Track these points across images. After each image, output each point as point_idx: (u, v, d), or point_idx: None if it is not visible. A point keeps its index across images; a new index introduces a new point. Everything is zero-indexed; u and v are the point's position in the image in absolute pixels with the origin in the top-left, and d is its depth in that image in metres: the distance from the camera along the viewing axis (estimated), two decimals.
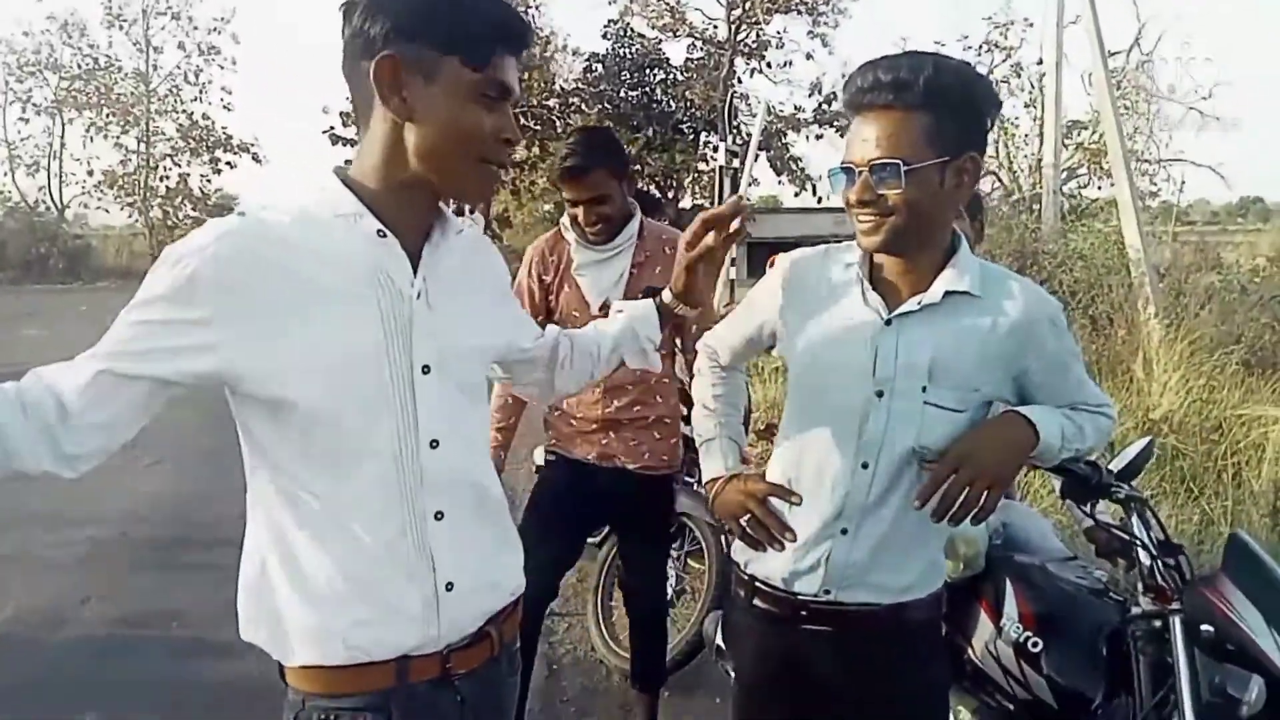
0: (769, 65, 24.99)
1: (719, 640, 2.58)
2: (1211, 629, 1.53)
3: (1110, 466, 1.74)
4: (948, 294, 1.40)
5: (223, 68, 25.68)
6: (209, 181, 25.96)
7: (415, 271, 1.12)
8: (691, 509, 3.24)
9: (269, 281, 1.03)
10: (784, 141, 24.15)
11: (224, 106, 25.98)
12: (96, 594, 3.95)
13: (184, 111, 25.65)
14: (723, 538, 3.08)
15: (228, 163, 26.09)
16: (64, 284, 20.92)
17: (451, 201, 1.21)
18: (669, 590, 3.23)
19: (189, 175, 25.64)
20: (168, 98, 25.55)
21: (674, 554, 3.32)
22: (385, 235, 1.10)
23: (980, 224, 2.30)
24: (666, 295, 1.47)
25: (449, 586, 1.14)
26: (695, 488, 3.54)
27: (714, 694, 3.00)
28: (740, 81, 24.65)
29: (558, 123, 25.20)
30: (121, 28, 24.82)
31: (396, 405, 1.09)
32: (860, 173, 1.35)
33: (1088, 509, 1.74)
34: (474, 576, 1.18)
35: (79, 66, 24.84)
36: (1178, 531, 4.02)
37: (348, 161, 1.18)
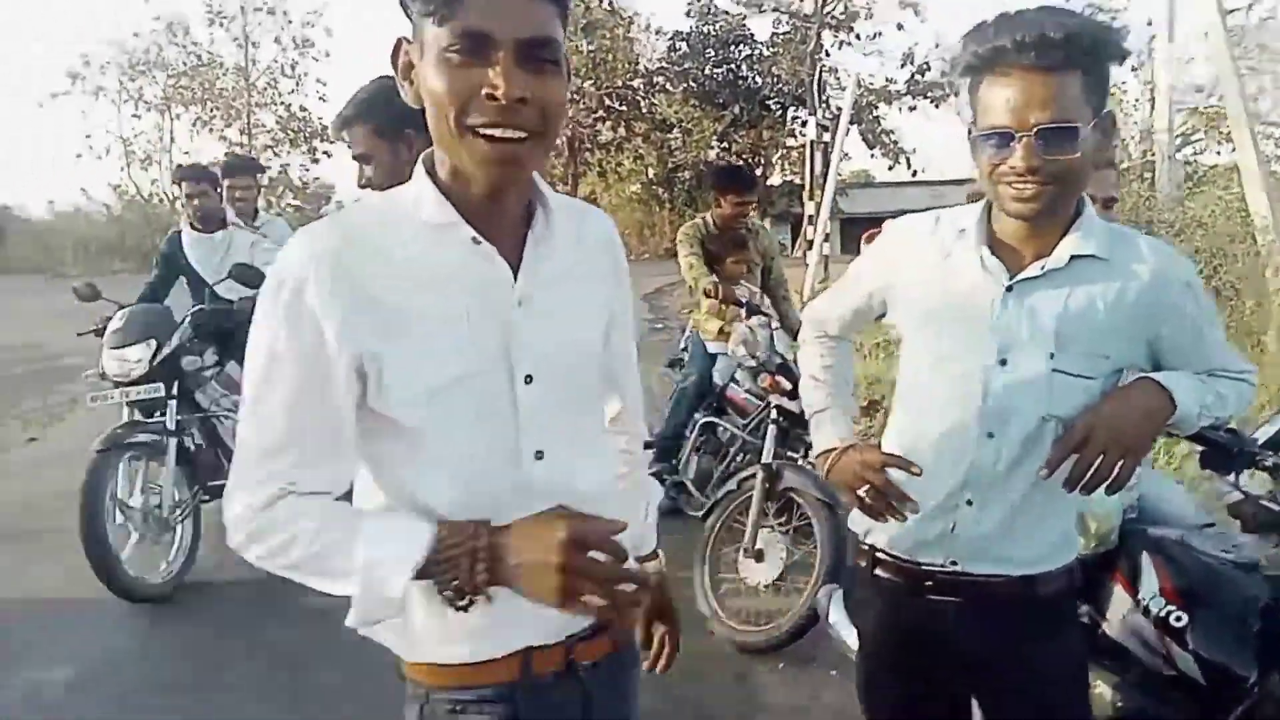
0: (858, 37, 24.40)
1: (833, 612, 2.57)
2: None
3: (1255, 435, 1.66)
4: (1074, 258, 1.35)
5: (316, 60, 26.57)
6: (307, 170, 26.96)
7: (516, 274, 1.04)
8: (798, 484, 3.22)
9: (368, 290, 0.98)
10: (875, 115, 23.56)
11: (319, 98, 26.93)
12: (230, 563, 4.14)
13: (282, 104, 26.67)
14: (836, 512, 3.06)
15: (324, 152, 27.02)
16: None
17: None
18: (780, 564, 3.24)
19: (289, 165, 26.66)
20: (267, 91, 26.60)
21: (784, 529, 3.31)
22: (480, 243, 1.01)
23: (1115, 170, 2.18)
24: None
25: None
26: (799, 463, 3.54)
27: (828, 667, 2.98)
28: (828, 55, 24.15)
29: (642, 103, 25.21)
30: (222, 25, 25.93)
31: (498, 419, 1.04)
32: (1022, 138, 1.27)
33: (1232, 479, 1.66)
34: None
35: (184, 64, 26.04)
36: None
37: None
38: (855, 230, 18.33)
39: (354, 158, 2.02)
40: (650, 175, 25.93)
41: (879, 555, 1.54)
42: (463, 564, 0.96)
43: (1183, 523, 1.96)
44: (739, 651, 3.16)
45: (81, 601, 3.74)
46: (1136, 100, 15.51)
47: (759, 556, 3.26)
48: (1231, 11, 13.02)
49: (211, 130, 26.45)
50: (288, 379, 0.98)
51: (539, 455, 1.06)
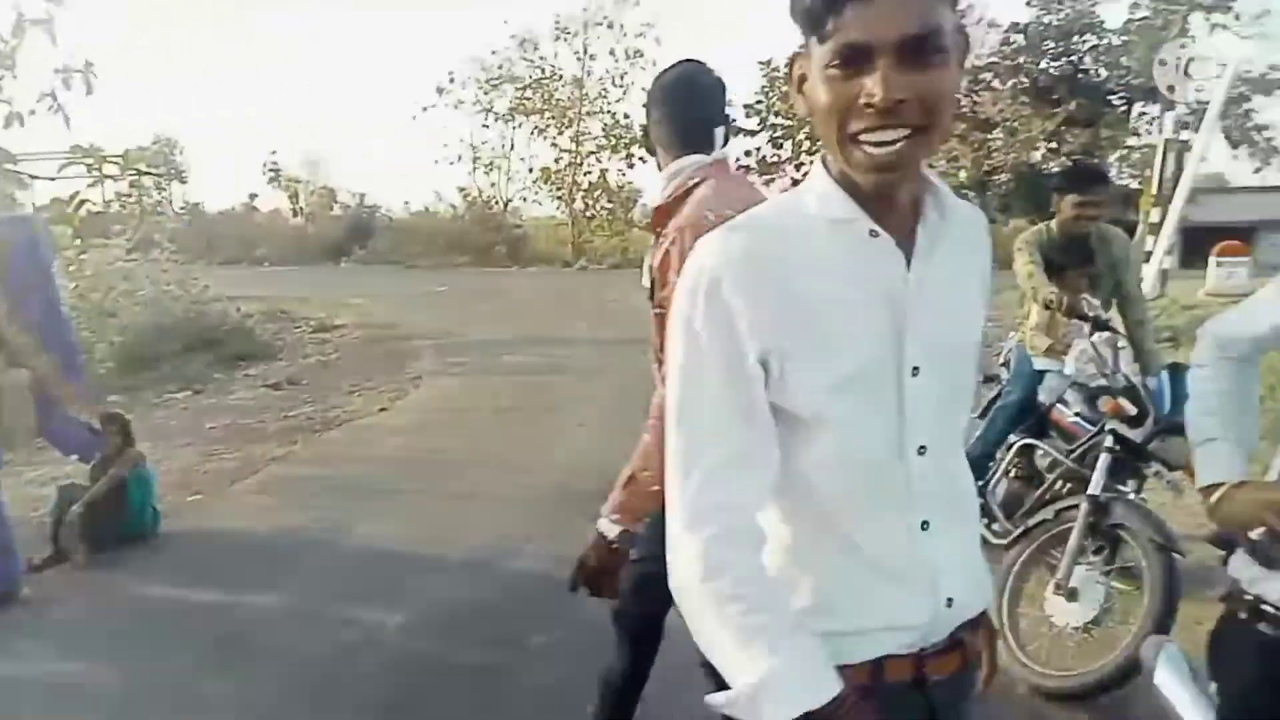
0: (1237, 17, 21.16)
1: (1161, 669, 2.30)
2: None
3: None
4: None
5: (644, 70, 28.09)
6: (623, 175, 28.66)
7: (909, 265, 1.05)
8: (1131, 522, 2.92)
9: (775, 288, 1.02)
10: (1247, 108, 20.38)
11: (643, 105, 28.43)
12: (539, 533, 4.56)
13: (609, 112, 28.56)
14: (1173, 557, 2.73)
15: (640, 158, 28.53)
16: (504, 268, 24.54)
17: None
18: (1096, 608, 2.95)
19: (607, 170, 28.55)
20: (597, 100, 28.62)
21: (1102, 569, 3.01)
22: (877, 235, 1.03)
23: None
24: None
25: (949, 602, 1.10)
26: (1132, 498, 3.19)
27: None
28: (1194, 40, 21.24)
29: (963, 100, 23.84)
30: (566, 39, 28.28)
31: (887, 411, 1.05)
32: None
33: None
34: (966, 590, 1.13)
35: (530, 77, 28.77)
36: None
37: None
38: (1199, 241, 15.98)
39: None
40: (961, 178, 24.49)
41: (1264, 608, 1.40)
42: None
43: None
44: (1035, 695, 2.93)
45: (416, 555, 4.34)
46: None
47: (1072, 595, 2.98)
48: None
49: (546, 137, 29.04)
50: (714, 378, 1.02)
51: (922, 450, 1.06)
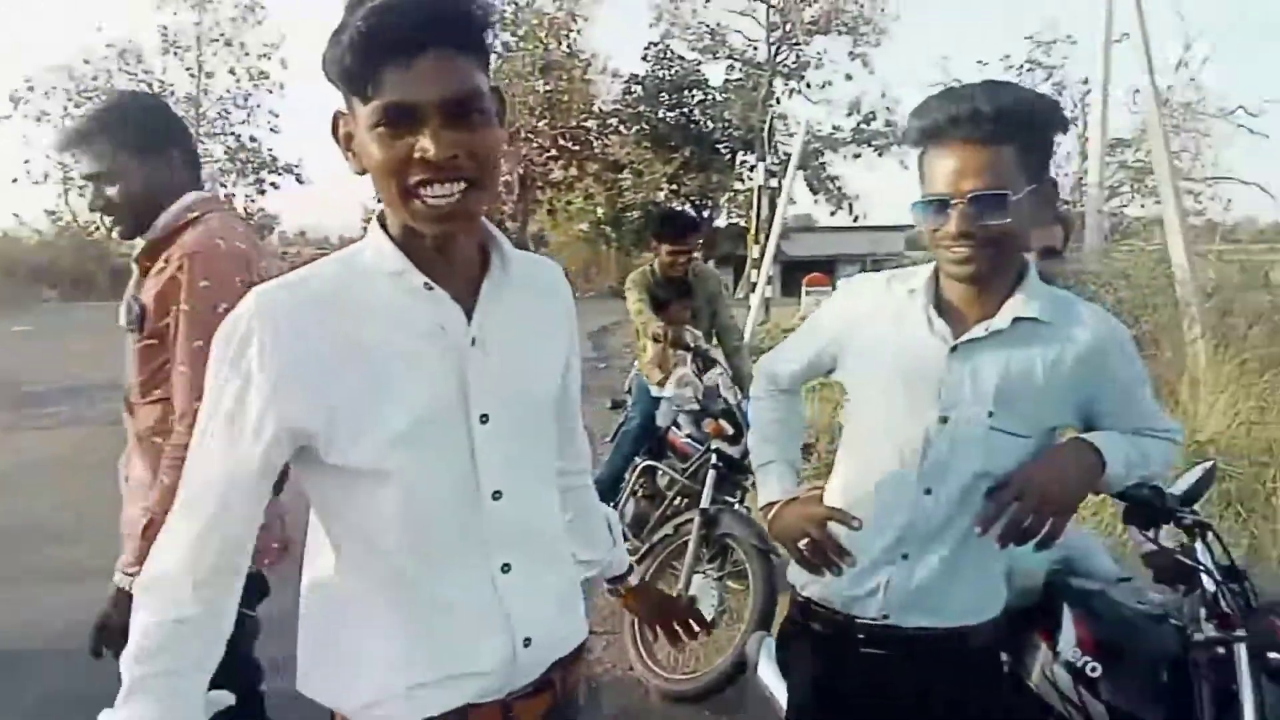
0: (808, 85, 25.09)
1: (762, 662, 2.56)
2: (1278, 656, 1.49)
3: (1172, 491, 1.71)
4: (1017, 320, 1.39)
5: (270, 92, 26.31)
6: (253, 201, 26.55)
7: (471, 317, 1.07)
8: (735, 530, 3.22)
9: (321, 346, 1.00)
10: (821, 161, 24.13)
11: (270, 129, 26.65)
12: None
13: (232, 134, 26.31)
14: (771, 560, 3.06)
15: (272, 183, 26.71)
16: (108, 300, 21.46)
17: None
18: (711, 612, 3.22)
19: (234, 195, 26.25)
20: (217, 121, 26.22)
21: (715, 575, 3.30)
22: (432, 288, 1.05)
23: (1066, 229, 2.27)
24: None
25: (527, 642, 1.11)
26: (737, 508, 3.54)
27: (755, 717, 2.96)
28: (779, 101, 24.76)
29: (595, 143, 25.46)
30: (176, 54, 25.56)
31: (456, 459, 1.06)
32: (957, 204, 1.33)
33: (1151, 534, 1.71)
34: (549, 630, 1.15)
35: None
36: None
37: None
38: (797, 274, 18.64)
39: (86, 177, 1.83)
40: (599, 215, 26.13)
41: (814, 608, 1.56)
42: None
43: (1102, 576, 2.01)
44: (664, 700, 3.13)
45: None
46: (1069, 154, 16.21)
47: (691, 602, 3.22)
48: (1160, 72, 13.72)
49: None
50: (218, 437, 1.02)
51: (497, 495, 1.08)
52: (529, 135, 23.82)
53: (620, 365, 9.73)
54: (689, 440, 3.93)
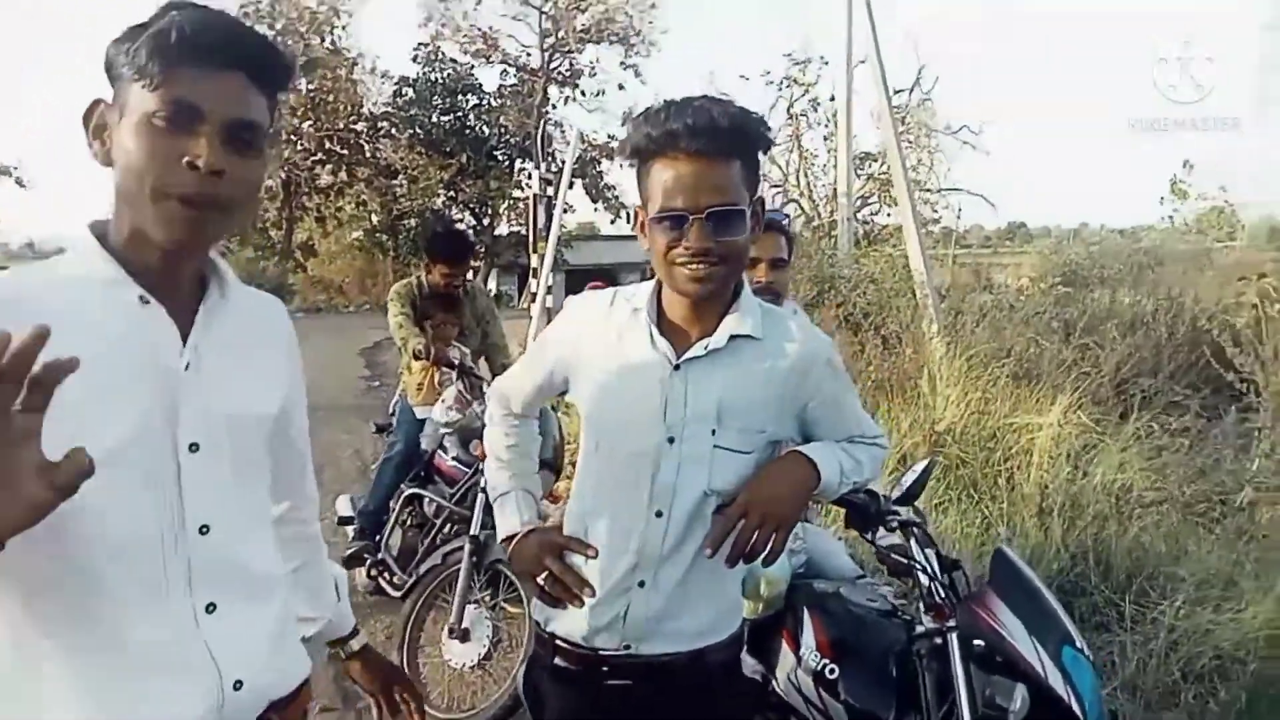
0: (583, 94, 25.43)
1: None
2: (982, 643, 1.62)
3: (888, 494, 1.83)
4: (733, 337, 1.42)
5: None
6: None
7: (186, 339, 1.02)
8: (506, 555, 3.15)
9: None
10: (598, 170, 24.53)
11: None
12: None
13: None
14: None
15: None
16: None
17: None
18: (486, 643, 3.12)
19: None
20: None
21: (489, 604, 3.21)
22: (149, 302, 0.99)
23: (790, 240, 2.38)
24: None
25: (237, 685, 1.04)
26: (500, 542, 3.46)
27: None
28: (554, 109, 24.92)
29: (365, 148, 24.42)
30: None
31: (160, 490, 0.99)
32: (694, 220, 1.32)
33: (870, 536, 1.82)
34: (261, 670, 1.08)
35: None
36: (962, 535, 4.35)
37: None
38: (579, 281, 18.83)
39: None
40: (374, 222, 25.07)
41: (559, 643, 1.52)
42: None
43: (841, 575, 2.13)
44: None
45: None
46: (824, 165, 17.48)
47: (464, 636, 3.11)
48: (897, 92, 15.12)
49: None
50: None
51: (204, 529, 1.02)
52: (292, 137, 22.43)
53: (393, 385, 9.43)
54: (456, 464, 3.81)
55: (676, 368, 1.41)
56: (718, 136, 1.31)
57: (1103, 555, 3.98)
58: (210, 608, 1.03)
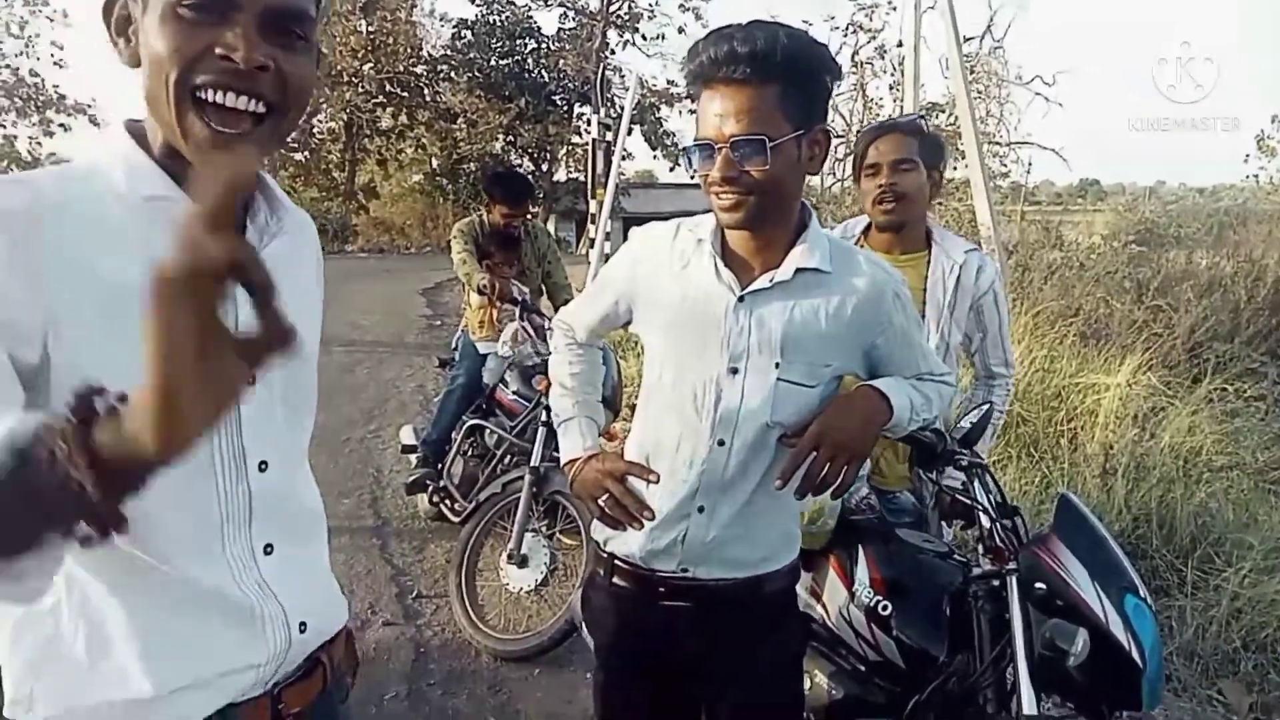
0: (643, 38, 24.99)
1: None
2: (1044, 586, 1.61)
3: (953, 434, 1.81)
4: (799, 271, 1.40)
5: (51, 20, 23.49)
6: (39, 145, 23.81)
7: None
8: (566, 487, 3.21)
9: (45, 258, 0.82)
10: (657, 116, 24.20)
11: (55, 63, 23.90)
12: None
13: (7, 67, 23.39)
14: None
15: (61, 125, 24.02)
16: None
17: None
18: (543, 570, 3.20)
19: (15, 137, 23.45)
20: None
21: (546, 533, 3.28)
22: None
23: (939, 174, 2.29)
24: None
25: (302, 627, 1.01)
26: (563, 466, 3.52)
27: (584, 670, 2.99)
28: (613, 53, 24.58)
29: (425, 91, 24.44)
30: None
31: (221, 425, 0.89)
32: (721, 149, 1.33)
33: (934, 476, 1.81)
34: (318, 611, 1.05)
35: None
36: (1020, 494, 4.29)
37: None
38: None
39: None
40: (434, 165, 25.17)
41: (617, 563, 1.55)
42: None
43: (901, 517, 2.13)
44: (496, 659, 3.11)
45: None
46: (890, 115, 17.00)
47: (523, 562, 3.20)
48: (967, 40, 14.57)
49: None
50: None
51: (263, 466, 0.96)
52: (353, 79, 22.53)
53: (454, 324, 9.57)
54: (517, 398, 3.87)
55: (741, 300, 1.41)
56: (754, 60, 1.28)
57: (1166, 519, 3.90)
58: (268, 549, 0.99)
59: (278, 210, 1.00)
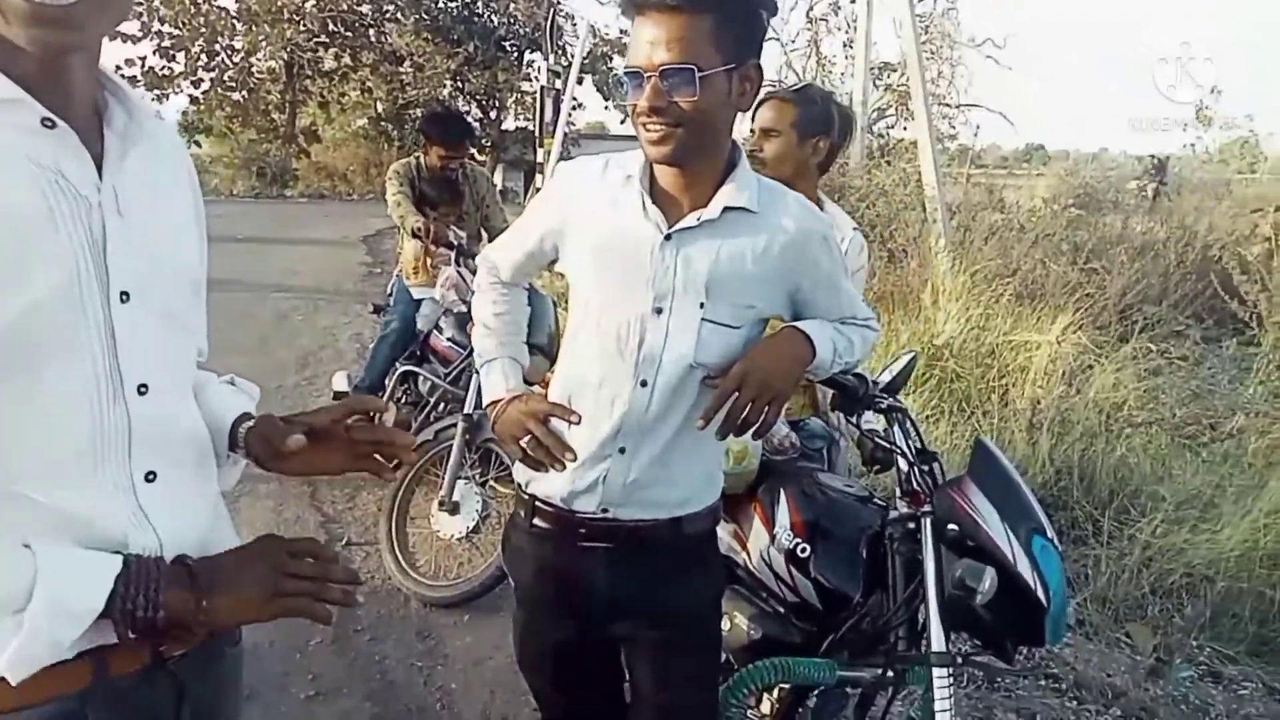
0: None
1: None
2: (956, 527, 1.64)
3: (876, 379, 1.83)
4: (726, 209, 1.38)
5: None
6: None
7: (100, 171, 0.87)
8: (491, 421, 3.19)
9: None
10: (609, 66, 23.80)
11: None
12: None
13: None
14: None
15: None
16: None
17: None
18: (475, 517, 3.19)
19: None
20: None
21: (479, 481, 3.26)
22: (54, 125, 0.83)
23: (825, 143, 2.29)
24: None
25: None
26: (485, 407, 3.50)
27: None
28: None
29: (370, 31, 23.68)
30: None
31: (93, 345, 0.86)
32: (650, 78, 1.29)
33: (855, 419, 1.82)
34: (200, 545, 0.97)
35: None
36: (951, 447, 4.39)
37: None
38: None
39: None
40: (379, 110, 24.46)
41: (538, 505, 1.54)
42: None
43: (814, 442, 2.15)
44: (426, 606, 3.10)
45: None
46: (843, 74, 16.94)
47: (454, 509, 3.19)
48: (919, 0, 14.56)
49: None
50: None
51: (143, 389, 0.90)
52: (294, 17, 21.66)
53: (394, 272, 9.43)
54: (451, 344, 3.82)
55: (668, 238, 1.39)
56: None
57: (1087, 471, 4.04)
58: (150, 476, 0.92)
59: (135, 115, 0.92)
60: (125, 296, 0.88)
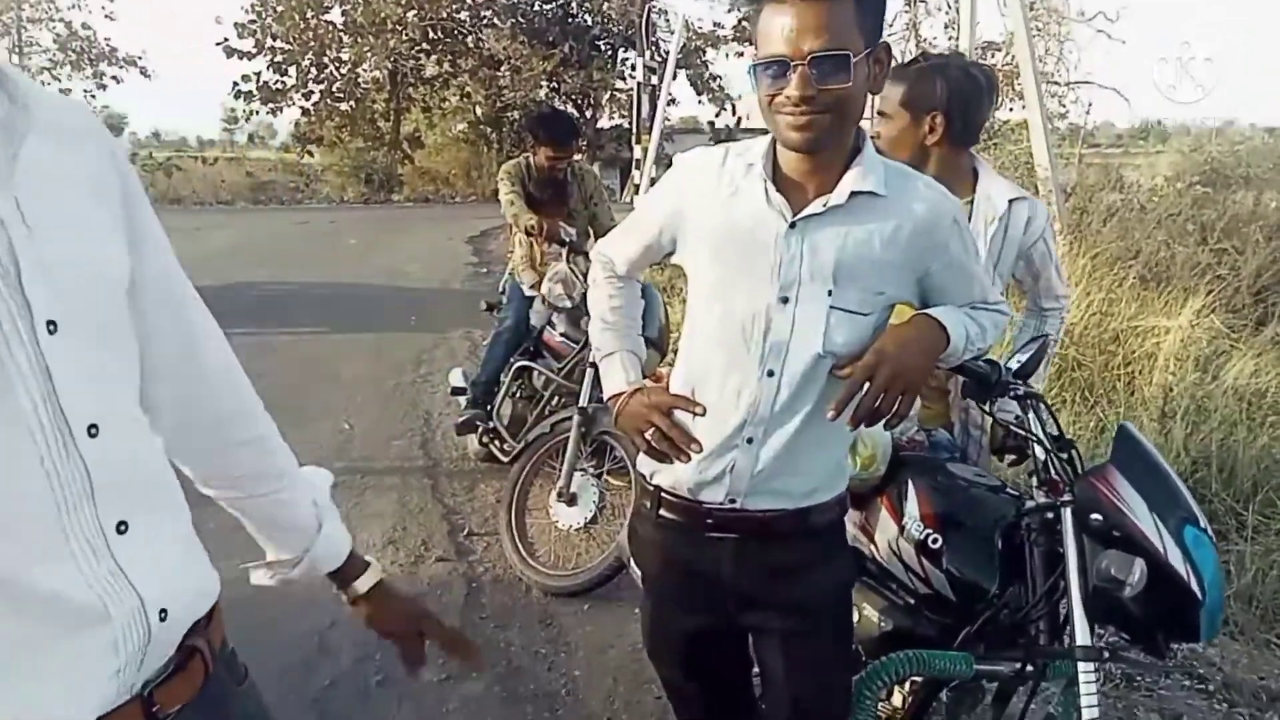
0: None
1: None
2: (1100, 517, 1.59)
3: (1007, 365, 1.78)
4: (854, 194, 1.37)
5: None
6: (93, 97, 24.26)
7: None
8: (612, 427, 3.24)
9: None
10: (703, 59, 23.69)
11: (106, 16, 24.29)
12: None
13: (60, 20, 23.77)
14: None
15: (113, 77, 24.44)
16: None
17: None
18: (591, 508, 3.25)
19: (69, 90, 23.89)
20: (40, 4, 23.61)
21: (594, 472, 3.32)
22: None
23: (941, 118, 2.13)
24: None
25: (163, 615, 0.85)
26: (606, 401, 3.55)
27: (633, 603, 3.04)
28: None
29: (468, 38, 24.24)
30: None
31: (30, 391, 0.74)
32: (798, 66, 1.28)
33: (988, 407, 1.78)
34: (182, 593, 0.89)
35: None
36: (1076, 437, 4.20)
37: None
38: None
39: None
40: (478, 114, 25.01)
41: (664, 495, 1.55)
42: None
43: (939, 453, 2.10)
44: (546, 594, 3.18)
45: None
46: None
47: (572, 500, 3.26)
48: None
49: None
50: None
51: (93, 431, 0.78)
52: (396, 27, 22.38)
53: (500, 271, 9.64)
54: (564, 339, 3.90)
55: (792, 225, 1.38)
56: None
57: (1227, 462, 3.81)
58: (121, 527, 0.81)
59: (18, 97, 0.78)
60: (53, 326, 0.75)
